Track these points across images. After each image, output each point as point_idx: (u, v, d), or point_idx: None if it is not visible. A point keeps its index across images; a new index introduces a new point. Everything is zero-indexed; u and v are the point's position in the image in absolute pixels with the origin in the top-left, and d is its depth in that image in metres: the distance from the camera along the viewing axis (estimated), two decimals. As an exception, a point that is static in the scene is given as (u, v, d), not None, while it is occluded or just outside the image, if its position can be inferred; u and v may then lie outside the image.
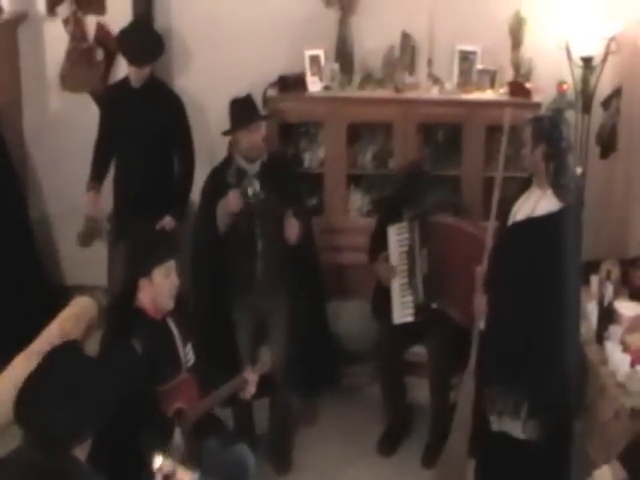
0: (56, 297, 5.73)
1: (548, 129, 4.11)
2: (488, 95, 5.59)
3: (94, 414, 2.78)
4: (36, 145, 6.12)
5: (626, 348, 4.32)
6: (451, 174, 5.55)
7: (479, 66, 5.65)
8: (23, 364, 3.65)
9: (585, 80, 5.51)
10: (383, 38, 5.70)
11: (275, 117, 5.39)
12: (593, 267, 4.91)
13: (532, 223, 4.11)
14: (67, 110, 5.93)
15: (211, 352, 4.22)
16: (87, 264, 5.92)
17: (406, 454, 4.95)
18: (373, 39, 5.74)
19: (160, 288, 3.74)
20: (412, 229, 4.79)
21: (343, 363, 5.35)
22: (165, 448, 3.48)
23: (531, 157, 4.11)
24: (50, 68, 5.95)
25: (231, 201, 4.56)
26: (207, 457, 3.84)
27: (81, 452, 2.81)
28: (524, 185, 4.27)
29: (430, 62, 5.70)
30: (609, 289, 4.54)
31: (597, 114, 5.65)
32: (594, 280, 4.87)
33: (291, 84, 5.61)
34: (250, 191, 4.63)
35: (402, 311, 4.84)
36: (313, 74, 5.65)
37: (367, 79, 5.71)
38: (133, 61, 5.26)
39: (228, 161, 4.81)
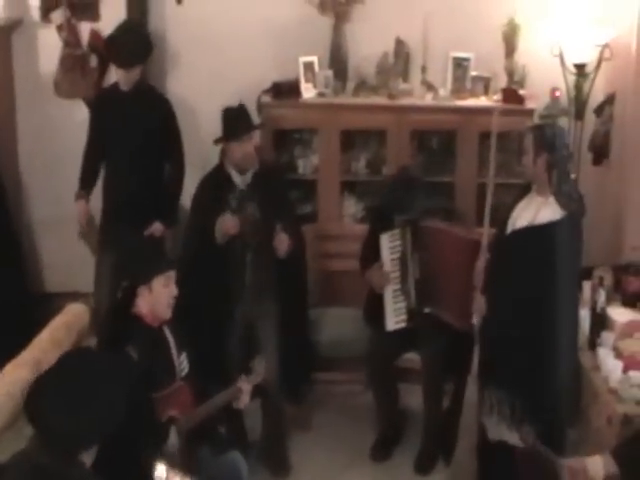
0: (38, 304, 5.75)
1: (550, 137, 4.14)
2: (482, 102, 5.60)
3: (104, 421, 2.80)
4: (29, 152, 6.12)
5: (619, 354, 4.32)
6: (445, 181, 5.57)
7: (473, 73, 5.68)
8: (14, 373, 3.63)
9: (578, 87, 5.54)
10: (377, 45, 5.72)
11: (269, 124, 5.40)
12: (586, 273, 4.91)
13: (534, 231, 4.12)
14: (61, 117, 5.93)
15: (200, 361, 4.24)
16: (70, 271, 5.93)
17: (399, 460, 4.94)
18: (367, 46, 5.76)
19: (159, 297, 3.75)
20: (404, 235, 4.79)
21: (335, 369, 5.36)
22: (160, 452, 3.48)
23: (533, 166, 4.13)
24: (44, 74, 5.95)
25: (229, 225, 4.54)
26: (200, 464, 3.83)
27: (87, 458, 2.83)
28: (522, 192, 4.28)
29: (424, 69, 5.72)
30: (602, 295, 4.53)
31: (590, 121, 5.68)
32: (587, 286, 4.86)
33: (285, 91, 5.62)
34: (252, 218, 4.63)
35: (395, 317, 4.84)
36: (307, 81, 5.67)
37: (361, 86, 5.73)
38: (120, 63, 5.24)
39: (219, 170, 4.78)
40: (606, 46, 5.42)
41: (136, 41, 5.33)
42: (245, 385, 3.91)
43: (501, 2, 5.65)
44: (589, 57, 5.47)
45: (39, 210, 6.19)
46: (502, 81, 5.69)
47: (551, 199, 4.15)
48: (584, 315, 4.63)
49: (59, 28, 5.85)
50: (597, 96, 5.64)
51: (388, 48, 5.73)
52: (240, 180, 4.69)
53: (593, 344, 4.48)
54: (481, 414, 4.16)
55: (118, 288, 3.98)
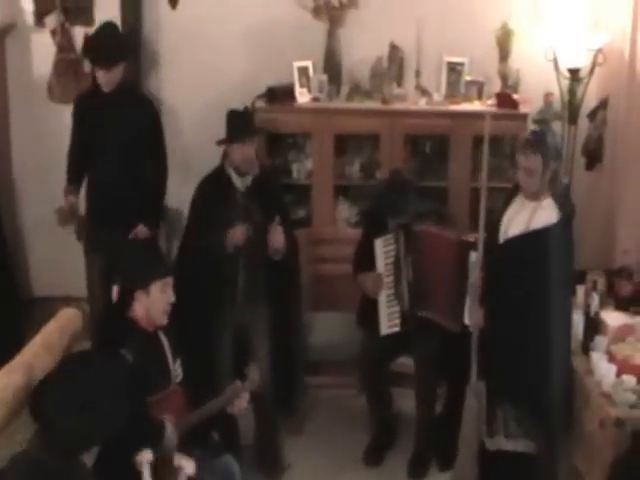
0: (28, 309, 5.74)
1: (554, 145, 4.18)
2: (476, 106, 5.61)
3: (107, 422, 2.83)
4: (22, 156, 6.12)
5: (612, 358, 4.32)
6: (438, 185, 5.57)
7: (467, 77, 5.68)
8: (6, 378, 3.62)
9: (572, 91, 5.55)
10: (371, 49, 5.72)
11: (263, 128, 5.40)
12: (579, 277, 4.92)
13: (531, 236, 4.14)
14: (54, 121, 5.92)
15: (192, 365, 4.24)
16: (60, 275, 5.93)
17: (392, 465, 4.94)
18: (361, 50, 5.76)
19: (155, 302, 3.75)
20: (397, 239, 4.79)
21: (329, 374, 5.35)
22: (157, 450, 3.48)
23: (541, 181, 4.13)
24: (37, 79, 5.95)
25: (240, 236, 4.56)
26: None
27: (88, 459, 2.87)
28: (510, 195, 4.29)
29: (418, 73, 5.73)
30: (595, 299, 4.54)
31: (583, 125, 5.69)
32: (580, 290, 4.87)
33: (279, 95, 5.62)
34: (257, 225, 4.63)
35: (389, 322, 4.84)
36: (301, 85, 5.67)
37: (355, 90, 5.73)
38: (99, 64, 5.21)
39: (220, 172, 4.78)
40: (599, 51, 5.43)
41: (114, 42, 5.29)
42: (240, 392, 3.91)
43: (495, 7, 5.66)
44: (583, 62, 5.48)
45: (31, 214, 6.19)
46: (496, 86, 5.70)
47: (545, 202, 4.17)
48: (577, 319, 4.64)
49: (53, 32, 5.85)
50: (590, 101, 5.66)
51: (382, 53, 5.73)
52: (240, 183, 4.69)
53: (586, 348, 4.48)
54: (483, 431, 4.20)
55: (110, 290, 3.98)
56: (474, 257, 4.27)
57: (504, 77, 5.67)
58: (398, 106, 5.61)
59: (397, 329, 4.82)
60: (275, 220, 4.61)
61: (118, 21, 5.73)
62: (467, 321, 4.35)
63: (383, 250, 4.85)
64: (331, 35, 5.75)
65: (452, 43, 5.65)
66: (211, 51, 5.86)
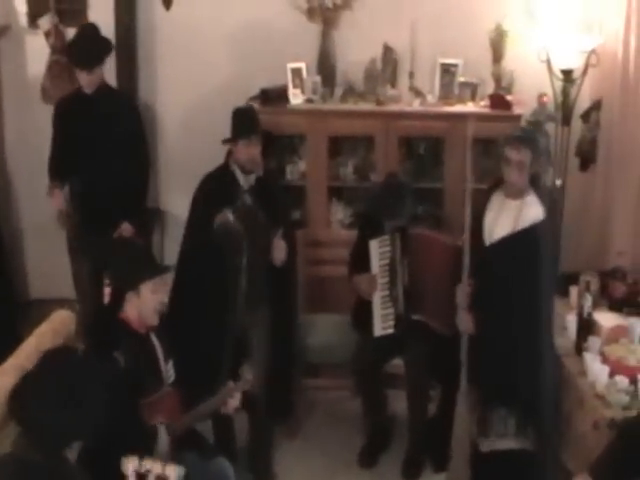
0: (24, 311, 5.74)
1: (541, 141, 4.19)
2: (469, 108, 5.61)
3: (87, 418, 2.83)
4: (16, 158, 6.12)
5: (605, 359, 4.32)
6: (433, 187, 5.58)
7: (460, 79, 5.69)
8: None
9: (565, 93, 5.56)
10: (365, 51, 5.73)
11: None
12: (572, 279, 4.93)
13: (521, 235, 4.14)
14: (48, 123, 5.90)
15: (190, 366, 4.24)
16: (55, 277, 5.92)
17: (387, 466, 4.93)
18: (355, 52, 5.77)
19: (146, 303, 3.75)
20: (394, 241, 4.78)
21: (323, 376, 5.35)
22: (150, 453, 3.47)
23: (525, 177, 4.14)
24: (31, 80, 5.96)
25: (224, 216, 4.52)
26: (188, 470, 3.81)
27: (71, 454, 2.87)
28: (486, 197, 4.29)
29: (412, 75, 5.73)
30: (588, 300, 4.54)
31: (577, 126, 5.69)
32: (573, 291, 4.88)
33: (273, 97, 5.63)
34: (250, 217, 4.61)
35: (383, 323, 4.83)
36: (295, 87, 5.68)
37: (349, 92, 5.73)
38: (81, 65, 5.23)
39: (224, 169, 4.77)
40: (593, 52, 5.44)
41: (95, 43, 5.33)
42: (233, 392, 3.91)
43: (489, 8, 5.67)
44: (576, 63, 5.49)
45: (27, 216, 6.19)
46: (490, 87, 5.71)
47: (528, 199, 4.18)
48: (571, 320, 4.65)
49: (47, 34, 5.85)
50: (584, 102, 5.67)
51: (376, 54, 5.74)
52: (244, 180, 4.70)
53: (580, 349, 4.49)
54: (477, 434, 4.20)
55: (100, 292, 3.98)
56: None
57: (498, 78, 5.69)
58: (392, 107, 5.62)
59: (391, 331, 4.81)
60: (278, 233, 4.61)
61: (112, 22, 5.77)
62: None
63: (378, 251, 4.85)
64: (325, 36, 5.75)
65: (446, 45, 5.66)
66: (205, 52, 5.87)
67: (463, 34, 5.67)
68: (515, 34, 5.66)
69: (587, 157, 5.73)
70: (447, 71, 5.70)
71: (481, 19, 5.65)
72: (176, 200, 6.00)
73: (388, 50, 5.74)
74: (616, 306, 4.80)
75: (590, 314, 4.55)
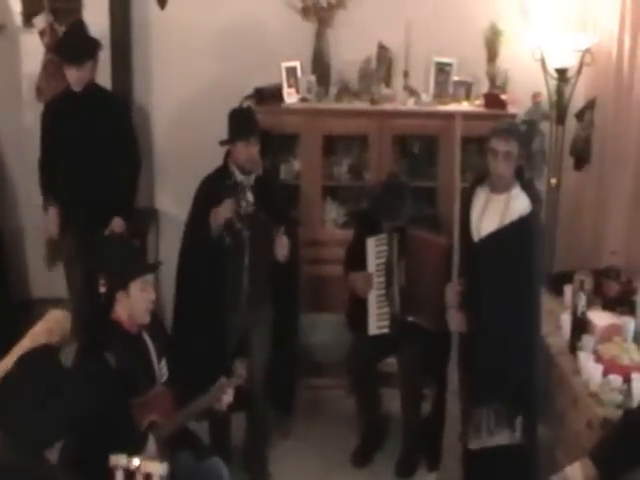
0: (22, 310, 5.73)
1: (527, 133, 4.19)
2: (464, 107, 5.61)
3: (65, 419, 2.81)
4: (12, 158, 6.11)
5: (599, 358, 4.33)
6: (427, 186, 5.57)
7: (455, 78, 5.69)
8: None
9: (560, 92, 5.56)
10: (359, 50, 5.72)
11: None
12: (566, 278, 4.94)
13: (509, 229, 4.14)
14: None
15: (190, 365, 4.25)
16: (54, 277, 5.92)
17: (381, 465, 4.95)
18: (350, 51, 5.76)
19: (136, 302, 3.75)
20: (391, 241, 4.79)
21: (317, 375, 5.36)
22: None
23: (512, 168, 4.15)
24: (26, 80, 5.95)
25: (221, 210, 4.53)
26: (181, 470, 3.82)
27: (52, 455, 2.85)
28: (469, 194, 4.30)
29: (406, 74, 5.73)
30: (582, 299, 4.54)
31: (571, 125, 5.69)
32: (567, 290, 4.89)
33: (267, 96, 5.61)
34: (243, 204, 4.62)
35: (378, 322, 4.84)
36: (290, 86, 5.67)
37: (343, 91, 5.72)
38: (70, 59, 5.24)
39: (222, 170, 4.77)
40: (587, 51, 5.45)
41: (83, 39, 5.36)
42: (226, 388, 3.91)
43: (483, 8, 5.67)
44: (570, 62, 5.49)
45: (25, 215, 6.18)
46: (484, 86, 5.71)
47: (514, 192, 4.19)
48: (565, 319, 4.65)
49: (41, 33, 5.83)
50: (578, 101, 5.66)
51: (371, 53, 5.73)
52: (244, 180, 4.69)
53: (574, 348, 4.49)
54: (467, 433, 4.21)
55: (93, 292, 3.98)
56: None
57: (492, 77, 5.68)
58: (386, 107, 5.62)
59: (386, 330, 4.82)
60: (280, 231, 4.60)
61: (106, 21, 5.76)
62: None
63: (375, 250, 4.86)
64: (319, 36, 5.75)
65: (440, 44, 5.65)
66: (200, 51, 5.86)
67: (458, 33, 5.66)
68: (509, 33, 5.66)
69: (581, 156, 5.73)
70: (442, 70, 5.69)
71: (476, 18, 5.66)
72: (171, 199, 6.00)
73: (383, 49, 5.74)
74: (610, 305, 4.80)
75: (584, 313, 4.55)
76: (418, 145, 5.77)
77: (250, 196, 4.67)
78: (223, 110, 4.83)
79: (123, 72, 5.87)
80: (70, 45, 5.30)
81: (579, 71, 5.51)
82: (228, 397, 3.89)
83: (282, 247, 4.62)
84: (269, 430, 5.02)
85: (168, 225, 5.97)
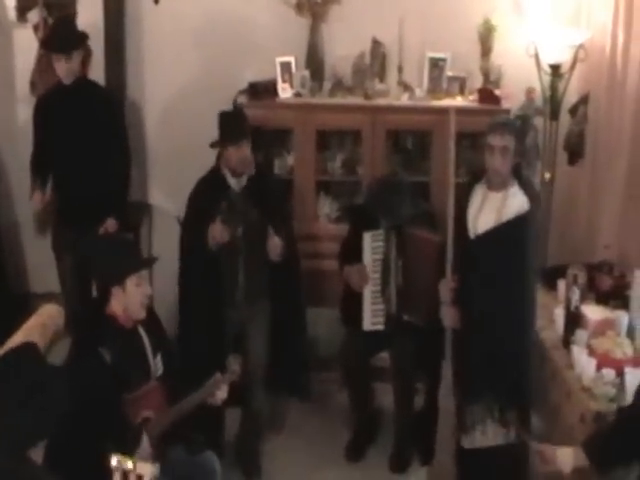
0: (20, 305, 5.72)
1: (522, 129, 4.19)
2: (458, 102, 5.61)
3: (47, 418, 2.79)
4: (7, 152, 6.10)
5: (592, 352, 4.33)
6: (421, 181, 5.56)
7: (449, 73, 5.69)
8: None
9: (553, 87, 5.56)
10: (353, 45, 5.72)
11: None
12: (560, 272, 4.94)
13: (506, 228, 4.14)
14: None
15: (190, 361, 4.28)
16: (53, 271, 5.89)
17: (374, 460, 4.95)
18: (343, 46, 5.76)
19: (132, 297, 3.74)
20: (388, 238, 4.78)
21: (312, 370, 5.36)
22: (132, 455, 3.46)
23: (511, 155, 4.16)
24: (20, 74, 5.93)
25: (218, 234, 4.52)
26: (174, 464, 3.83)
27: (36, 454, 2.82)
28: (467, 191, 4.30)
29: (400, 69, 5.72)
30: (576, 293, 4.54)
31: (565, 120, 5.69)
32: (561, 285, 4.89)
33: (262, 91, 5.62)
34: (240, 231, 4.61)
35: (373, 318, 4.84)
36: (284, 81, 5.67)
37: (337, 86, 5.72)
38: (57, 49, 5.22)
39: (215, 172, 4.76)
40: (581, 47, 5.45)
41: (71, 29, 5.36)
42: (220, 384, 3.91)
43: (477, 3, 5.67)
44: (564, 57, 5.50)
45: (21, 210, 6.16)
46: (478, 81, 5.71)
47: (512, 190, 4.19)
48: (558, 313, 4.66)
49: (35, 28, 5.83)
50: (572, 96, 5.66)
51: (364, 48, 5.73)
52: (235, 183, 4.68)
53: (567, 342, 4.50)
54: (460, 430, 4.21)
55: (84, 288, 3.97)
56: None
57: (486, 73, 5.69)
58: (380, 102, 5.62)
59: (381, 327, 4.82)
60: (270, 232, 4.59)
61: (100, 16, 5.76)
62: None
63: (371, 245, 4.84)
64: (314, 31, 5.75)
65: (434, 39, 5.66)
66: (194, 46, 5.85)
67: (451, 28, 5.66)
68: (503, 28, 5.66)
69: (575, 151, 5.73)
70: (435, 65, 5.70)
71: (469, 13, 5.66)
72: (164, 194, 6.00)
73: (377, 44, 5.74)
74: (603, 299, 4.80)
75: (577, 307, 4.55)
76: (411, 140, 5.77)
77: (238, 199, 4.65)
78: (217, 105, 4.84)
79: (116, 66, 5.86)
80: (57, 36, 5.30)
81: (572, 66, 5.52)
82: (222, 393, 3.89)
83: (275, 247, 4.61)
84: (263, 425, 5.02)
85: (161, 219, 5.98)
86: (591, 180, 5.60)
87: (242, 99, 5.58)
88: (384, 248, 4.80)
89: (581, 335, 4.47)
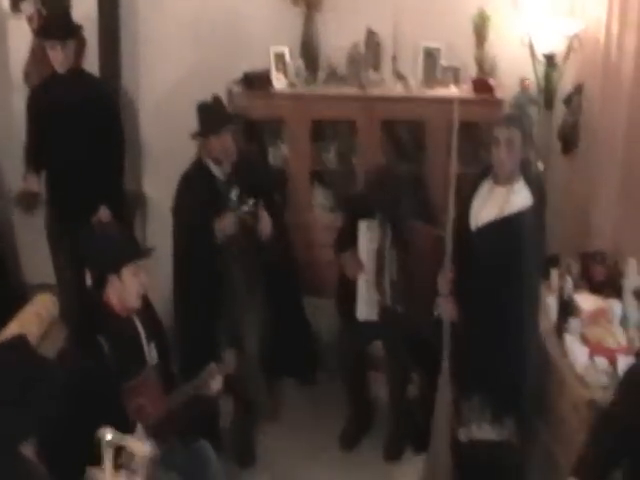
0: (17, 295, 5.73)
1: (528, 125, 4.20)
2: (452, 92, 5.61)
3: (37, 413, 2.78)
4: (3, 143, 6.08)
5: (585, 341, 4.36)
6: (415, 171, 5.58)
7: (443, 63, 5.69)
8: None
9: (547, 77, 5.57)
10: (348, 35, 5.72)
11: (240, 114, 5.39)
12: (553, 261, 4.96)
13: (506, 222, 4.14)
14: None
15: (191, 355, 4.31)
16: (47, 264, 5.91)
17: (368, 448, 4.96)
18: (338, 36, 5.75)
19: (128, 286, 3.75)
20: (384, 229, 4.79)
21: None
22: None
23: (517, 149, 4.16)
24: (14, 65, 5.93)
25: (226, 225, 4.55)
26: (169, 453, 3.84)
27: (27, 449, 2.81)
28: (475, 183, 4.30)
29: (394, 59, 5.73)
30: (569, 283, 4.57)
31: (559, 110, 5.69)
32: (554, 274, 4.90)
33: (256, 81, 5.62)
34: (249, 219, 4.62)
35: (367, 308, 4.84)
36: (278, 71, 5.67)
37: (332, 76, 5.73)
38: (51, 36, 5.22)
39: (198, 165, 4.76)
40: (575, 37, 5.45)
41: (65, 17, 5.38)
42: (215, 375, 3.92)
43: (471, -7, 5.68)
44: (558, 47, 5.50)
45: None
46: (472, 71, 5.71)
47: (517, 186, 4.18)
48: (551, 302, 4.67)
49: (29, 19, 5.82)
50: (566, 86, 5.66)
51: (359, 38, 5.72)
52: (219, 171, 4.69)
53: (560, 331, 4.52)
54: (457, 423, 4.23)
55: (80, 277, 3.98)
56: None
57: (480, 63, 5.69)
58: (375, 92, 5.62)
59: (375, 318, 4.83)
60: (260, 207, 4.59)
61: (94, 6, 5.75)
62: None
63: (367, 234, 4.84)
64: (308, 21, 5.74)
65: (429, 29, 5.66)
66: (188, 36, 5.86)
67: (446, 18, 5.66)
68: (498, 19, 5.65)
69: (569, 141, 5.73)
70: (430, 55, 5.70)
71: (464, 4, 5.65)
72: (158, 183, 5.99)
73: (371, 34, 5.73)
74: (596, 288, 4.83)
75: (570, 296, 4.58)
76: (406, 130, 5.77)
77: (234, 193, 4.66)
78: (211, 95, 4.82)
79: (111, 57, 5.86)
80: (53, 24, 5.30)
81: (567, 56, 5.52)
82: (217, 383, 3.90)
83: (263, 221, 4.61)
84: (255, 413, 5.02)
85: (155, 209, 5.99)
86: (585, 169, 5.61)
87: (236, 89, 5.58)
88: (379, 239, 4.81)
89: (574, 324, 4.49)
